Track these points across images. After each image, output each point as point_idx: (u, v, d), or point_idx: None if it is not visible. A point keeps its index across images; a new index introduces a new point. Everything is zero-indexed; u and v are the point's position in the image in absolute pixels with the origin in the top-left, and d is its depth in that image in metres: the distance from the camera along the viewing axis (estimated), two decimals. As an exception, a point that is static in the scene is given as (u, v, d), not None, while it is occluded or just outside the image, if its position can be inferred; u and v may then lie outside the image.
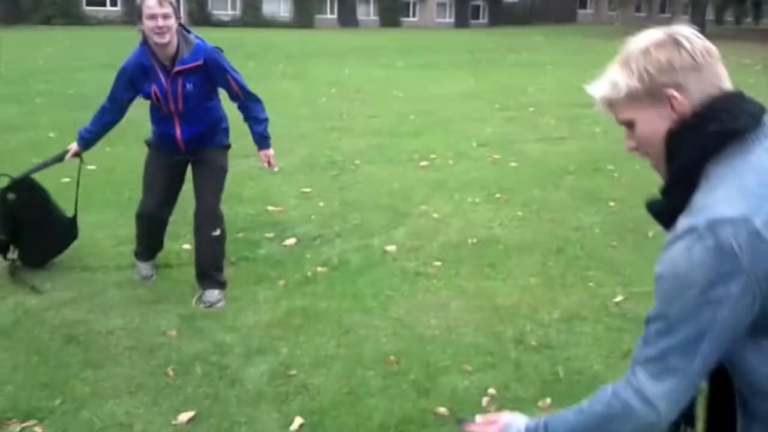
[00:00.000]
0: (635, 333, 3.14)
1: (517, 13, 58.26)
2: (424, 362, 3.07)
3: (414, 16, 56.99)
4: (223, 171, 3.92)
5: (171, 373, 2.97)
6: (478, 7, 60.61)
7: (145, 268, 4.03)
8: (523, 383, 2.89)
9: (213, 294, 3.72)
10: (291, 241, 4.57)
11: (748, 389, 1.21)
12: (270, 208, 5.28)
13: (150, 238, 4.04)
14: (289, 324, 3.41)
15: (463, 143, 7.77)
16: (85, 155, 5.71)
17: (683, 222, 1.13)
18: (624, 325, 3.36)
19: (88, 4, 42.43)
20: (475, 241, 4.60)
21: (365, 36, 36.72)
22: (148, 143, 4.00)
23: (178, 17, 3.57)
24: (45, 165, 4.04)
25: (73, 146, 3.95)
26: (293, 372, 2.98)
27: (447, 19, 58.03)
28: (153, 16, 3.45)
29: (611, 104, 1.30)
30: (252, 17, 47.90)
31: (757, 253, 1.07)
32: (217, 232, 3.79)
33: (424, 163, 6.81)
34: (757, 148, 1.16)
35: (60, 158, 4.00)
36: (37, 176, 4.15)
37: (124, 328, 3.36)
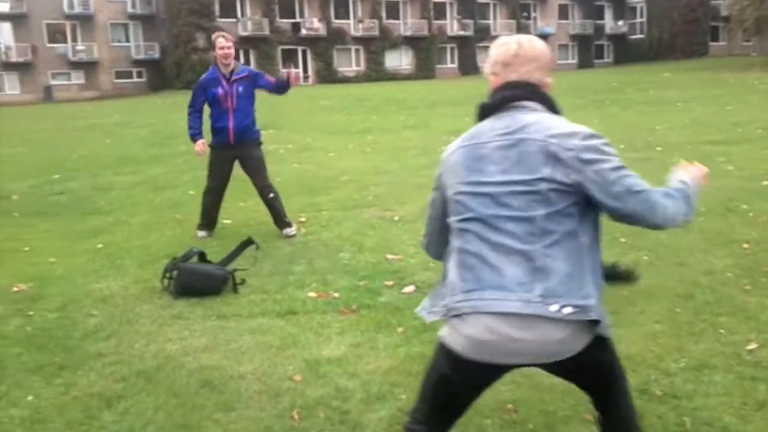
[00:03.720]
0: (770, 383, 2.99)
1: (644, 49, 56.72)
2: (543, 411, 3.03)
3: (535, 59, 56.74)
4: (262, 160, 6.22)
5: (296, 416, 3.10)
6: (602, 46, 59.54)
7: (202, 234, 6.27)
8: (648, 434, 2.79)
9: (291, 230, 6.18)
10: (410, 288, 4.67)
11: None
12: (390, 256, 5.42)
13: (210, 213, 6.28)
14: (408, 371, 3.48)
15: (586, 186, 7.62)
16: (221, 210, 6.23)
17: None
18: (758, 374, 3.17)
19: (224, 69, 45.45)
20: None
21: (485, 82, 36.91)
22: (211, 146, 6.16)
23: (235, 49, 6.04)
24: (236, 255, 5.18)
25: (200, 143, 6.20)
26: (411, 418, 3.03)
27: (569, 60, 57.35)
28: (222, 47, 5.87)
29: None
30: (375, 72, 49.54)
31: None
32: (272, 195, 6.21)
33: (544, 208, 6.74)
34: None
35: (247, 245, 5.32)
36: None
37: (254, 373, 3.55)
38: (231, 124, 5.99)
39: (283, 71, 6.14)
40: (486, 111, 2.13)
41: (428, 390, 2.15)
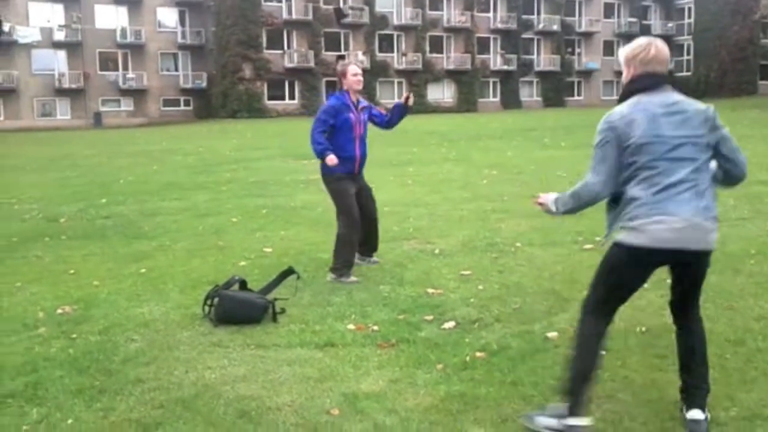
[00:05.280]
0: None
1: (690, 87, 56.00)
2: None
3: (579, 95, 56.55)
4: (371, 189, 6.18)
5: (333, 452, 3.05)
6: (647, 83, 58.93)
7: (353, 278, 5.68)
8: (698, 487, 2.67)
9: (374, 259, 6.21)
10: (450, 324, 4.61)
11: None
12: (430, 290, 5.37)
13: (353, 249, 5.80)
14: (448, 409, 3.41)
15: (631, 225, 7.48)
16: (262, 238, 6.21)
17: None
18: (816, 429, 3.03)
19: (269, 99, 46.33)
20: (644, 329, 4.38)
21: (528, 117, 36.86)
22: (338, 178, 5.80)
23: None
24: (276, 284, 5.20)
25: (332, 158, 5.66)
26: (450, 459, 2.96)
27: (614, 97, 56.80)
28: (356, 74, 5.79)
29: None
30: (417, 104, 49.81)
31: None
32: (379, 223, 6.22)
33: (588, 246, 6.64)
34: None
35: (288, 274, 5.31)
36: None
37: (291, 405, 3.52)
38: (358, 152, 5.85)
39: (402, 96, 6.15)
40: (634, 91, 3.05)
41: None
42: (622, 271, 3.09)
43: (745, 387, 3.52)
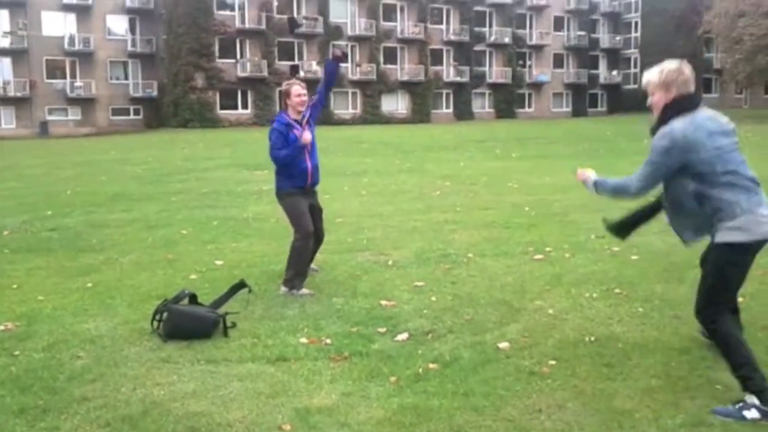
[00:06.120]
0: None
1: (637, 99, 57.36)
2: None
3: (530, 106, 57.46)
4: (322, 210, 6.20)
5: (284, 468, 3.01)
6: (596, 95, 60.32)
7: (305, 290, 5.65)
8: (645, 495, 2.72)
9: (315, 266, 6.24)
10: (403, 336, 4.61)
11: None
12: (383, 302, 5.36)
13: (307, 261, 5.86)
14: (401, 422, 3.40)
15: (581, 235, 7.64)
16: (214, 251, 6.09)
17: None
18: (757, 434, 3.12)
19: (221, 108, 45.87)
20: (592, 339, 4.45)
21: (480, 128, 37.29)
22: (288, 194, 5.87)
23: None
24: (227, 297, 5.12)
25: (306, 136, 5.76)
26: (403, 472, 2.95)
27: (564, 108, 58.10)
28: (300, 95, 5.79)
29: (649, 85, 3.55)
30: (371, 115, 50.06)
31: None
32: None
33: (539, 256, 6.73)
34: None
35: (239, 287, 5.22)
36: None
37: (242, 421, 3.47)
38: (309, 163, 5.86)
39: (332, 53, 6.10)
40: (681, 111, 3.47)
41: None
42: (740, 267, 3.47)
43: (689, 394, 3.60)
